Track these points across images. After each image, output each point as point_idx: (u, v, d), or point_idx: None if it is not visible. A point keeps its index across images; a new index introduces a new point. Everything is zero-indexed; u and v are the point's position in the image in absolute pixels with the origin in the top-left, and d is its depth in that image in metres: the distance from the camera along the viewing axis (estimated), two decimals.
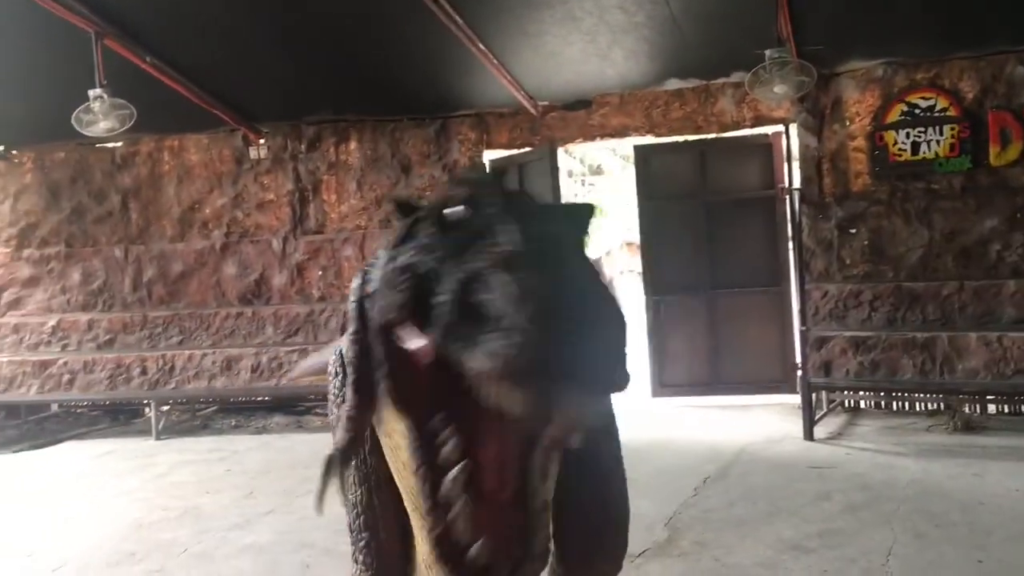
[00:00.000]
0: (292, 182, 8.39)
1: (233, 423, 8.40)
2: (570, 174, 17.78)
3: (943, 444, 6.22)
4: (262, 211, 8.46)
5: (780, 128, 7.55)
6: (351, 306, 1.43)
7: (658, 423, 7.22)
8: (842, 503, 4.99)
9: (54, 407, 9.06)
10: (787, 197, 7.10)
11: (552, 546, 1.38)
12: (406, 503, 1.55)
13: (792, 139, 7.49)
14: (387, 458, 1.58)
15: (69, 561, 4.76)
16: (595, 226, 1.51)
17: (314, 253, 8.34)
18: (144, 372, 8.34)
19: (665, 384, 7.92)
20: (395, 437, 1.48)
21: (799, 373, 6.86)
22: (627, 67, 7.28)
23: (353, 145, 8.32)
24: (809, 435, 6.46)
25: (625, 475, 1.78)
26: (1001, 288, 6.56)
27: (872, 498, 5.05)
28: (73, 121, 6.49)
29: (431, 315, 1.25)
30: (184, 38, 6.83)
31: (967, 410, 6.82)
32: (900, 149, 6.88)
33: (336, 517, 1.62)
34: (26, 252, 8.78)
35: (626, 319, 1.35)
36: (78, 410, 9.06)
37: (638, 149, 8.08)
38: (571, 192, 17.47)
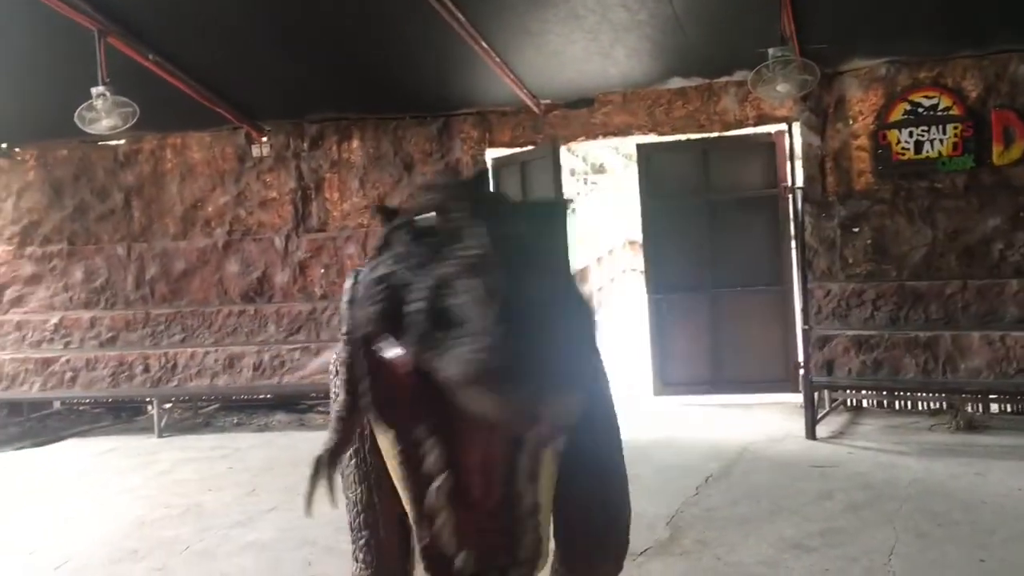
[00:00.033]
0: (294, 180, 8.39)
1: (235, 421, 8.41)
2: (573, 173, 17.80)
3: (945, 443, 6.21)
4: (264, 209, 8.47)
5: (783, 127, 7.54)
6: (342, 307, 1.43)
7: (660, 422, 7.21)
8: (844, 502, 4.99)
9: (56, 405, 9.07)
10: (790, 196, 7.09)
11: (547, 547, 1.37)
12: (404, 502, 1.55)
13: (795, 138, 7.48)
14: (385, 457, 1.58)
15: (71, 559, 4.76)
16: (568, 221, 1.49)
17: (316, 251, 8.35)
18: (146, 370, 8.35)
19: (667, 383, 7.91)
20: (387, 440, 1.48)
21: (801, 372, 6.86)
22: (630, 65, 7.27)
23: (355, 143, 8.32)
24: (811, 434, 6.45)
25: (626, 474, 1.77)
26: (1004, 287, 6.55)
27: (874, 497, 5.04)
28: (76, 119, 6.49)
29: (405, 324, 1.25)
30: (187, 36, 6.84)
31: (969, 409, 6.80)
32: (903, 148, 6.87)
33: (338, 515, 1.62)
34: (29, 250, 8.80)
35: (595, 314, 1.35)
36: (80, 408, 9.07)
37: (641, 148, 8.08)
38: (574, 191, 17.48)
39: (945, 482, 5.30)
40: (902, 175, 6.92)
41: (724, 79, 7.46)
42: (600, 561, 1.75)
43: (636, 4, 6.29)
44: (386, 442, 1.51)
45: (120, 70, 6.52)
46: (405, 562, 1.69)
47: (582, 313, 1.30)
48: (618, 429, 1.77)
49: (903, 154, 6.88)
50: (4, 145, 8.73)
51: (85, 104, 6.45)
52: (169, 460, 6.97)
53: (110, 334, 8.55)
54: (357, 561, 1.76)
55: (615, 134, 8.07)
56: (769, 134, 7.60)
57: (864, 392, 7.28)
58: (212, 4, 6.47)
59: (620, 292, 15.57)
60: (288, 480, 6.00)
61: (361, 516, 1.72)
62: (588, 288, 7.95)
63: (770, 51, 6.16)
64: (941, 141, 6.75)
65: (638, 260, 12.37)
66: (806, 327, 6.75)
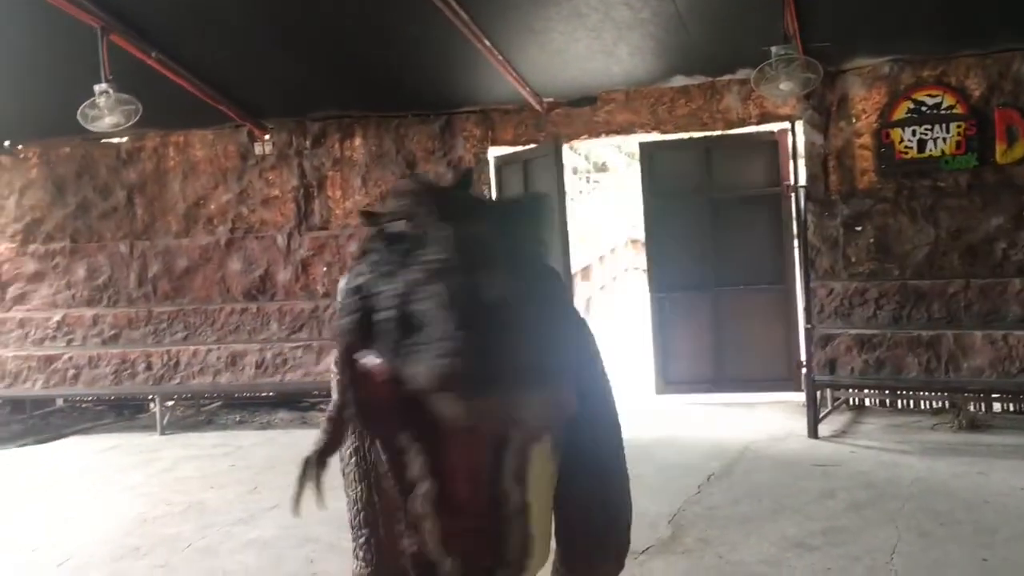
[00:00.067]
0: (297, 178, 8.40)
1: (237, 419, 8.41)
2: (575, 171, 17.79)
3: (948, 442, 6.20)
4: (267, 207, 8.47)
5: (786, 125, 7.52)
6: (337, 305, 1.44)
7: (662, 420, 7.21)
8: (846, 501, 4.98)
9: (59, 402, 9.08)
10: (793, 194, 7.08)
11: (539, 547, 1.37)
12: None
13: (798, 136, 7.46)
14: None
15: (73, 556, 4.77)
16: (547, 217, 1.49)
17: (319, 249, 8.35)
18: (149, 367, 8.35)
19: (669, 381, 7.90)
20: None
21: (804, 371, 6.86)
22: (633, 64, 7.27)
23: (358, 141, 8.32)
24: (813, 433, 6.45)
25: (627, 473, 1.77)
26: (1007, 286, 6.54)
27: (876, 496, 5.04)
28: (79, 116, 6.50)
29: (375, 333, 1.26)
30: (189, 34, 6.84)
31: (972, 408, 6.79)
32: (906, 147, 6.86)
33: (341, 513, 1.62)
34: (31, 247, 8.81)
35: (577, 311, 1.34)
36: (83, 405, 9.08)
37: (643, 146, 8.07)
38: (576, 189, 17.48)
39: (947, 481, 5.29)
40: (905, 174, 6.91)
41: (727, 77, 7.44)
42: (601, 561, 1.75)
43: (639, 2, 6.28)
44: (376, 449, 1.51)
45: (123, 68, 6.53)
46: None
47: (561, 311, 1.30)
48: (619, 427, 1.77)
49: (906, 153, 6.87)
50: (7, 143, 8.74)
51: (88, 102, 6.45)
52: (171, 458, 6.98)
53: (113, 332, 8.56)
54: (357, 559, 1.75)
55: (618, 132, 8.06)
56: (772, 132, 7.59)
57: (866, 391, 7.27)
58: (215, 2, 6.47)
59: (622, 291, 15.56)
60: (290, 478, 5.93)
61: (361, 514, 1.72)
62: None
63: (773, 49, 6.16)
64: (944, 140, 6.74)
65: (640, 259, 12.37)
66: (808, 326, 6.74)
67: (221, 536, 4.96)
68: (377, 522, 1.72)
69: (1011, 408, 6.88)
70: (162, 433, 7.90)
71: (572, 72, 7.40)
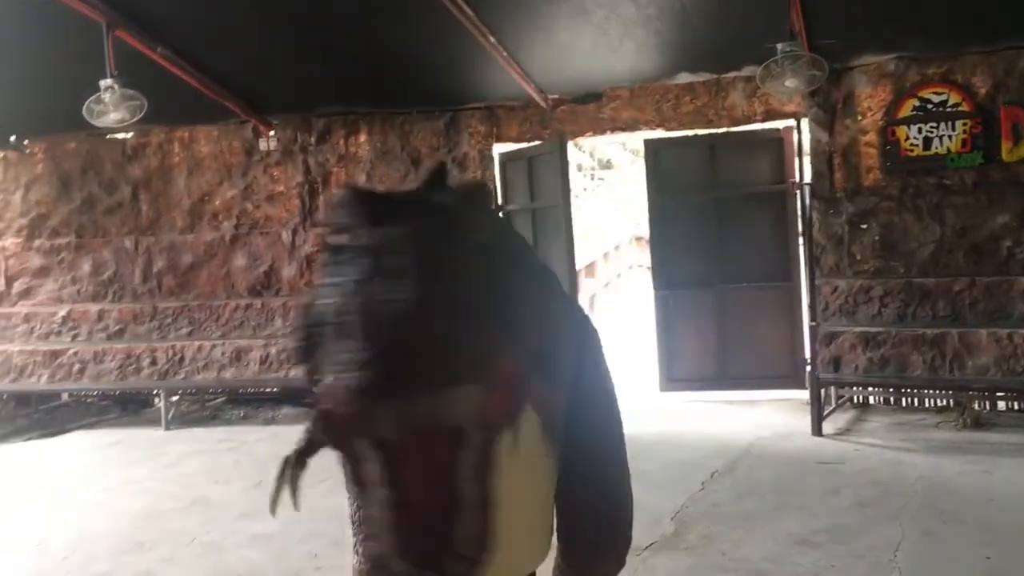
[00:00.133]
0: (302, 174, 8.40)
1: (242, 414, 8.43)
2: (580, 168, 17.79)
3: (952, 440, 6.20)
4: (272, 203, 8.47)
5: (791, 122, 7.51)
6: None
7: (666, 417, 7.21)
8: (850, 499, 4.98)
9: (64, 396, 9.11)
10: (798, 192, 7.07)
11: (498, 541, 1.36)
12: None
13: (803, 134, 7.45)
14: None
15: (78, 550, 4.79)
16: (487, 207, 1.49)
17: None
18: (154, 363, 8.38)
19: (673, 378, 7.90)
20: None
21: (808, 368, 6.85)
22: (638, 60, 7.25)
23: (363, 137, 8.32)
24: (817, 431, 6.45)
25: (628, 470, 1.77)
26: (1012, 284, 6.53)
27: (880, 494, 5.04)
28: (84, 112, 6.50)
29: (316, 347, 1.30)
30: (195, 30, 6.84)
31: (976, 407, 6.78)
32: (912, 144, 6.84)
33: (344, 508, 1.62)
34: (37, 242, 8.82)
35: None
36: (88, 400, 9.11)
37: (648, 143, 8.06)
38: (581, 186, 17.47)
39: (952, 479, 5.29)
40: (910, 171, 6.89)
41: (732, 74, 7.42)
42: (601, 558, 1.75)
43: None
44: None
45: (128, 63, 6.53)
46: None
47: (497, 307, 1.30)
48: (620, 424, 1.77)
49: (912, 150, 6.85)
50: (12, 138, 8.75)
51: (93, 97, 6.45)
52: (176, 453, 7.00)
53: (118, 327, 8.58)
54: (357, 554, 1.76)
55: (622, 129, 8.04)
56: (777, 130, 7.58)
57: (871, 389, 7.27)
58: None
59: (627, 288, 15.57)
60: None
61: (361, 510, 1.73)
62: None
63: (779, 46, 6.14)
64: (950, 137, 6.72)
65: (645, 256, 12.39)
66: (813, 323, 6.74)
67: (225, 531, 4.97)
68: None
69: (1016, 406, 6.87)
70: (167, 428, 7.92)
71: (577, 69, 7.39)
